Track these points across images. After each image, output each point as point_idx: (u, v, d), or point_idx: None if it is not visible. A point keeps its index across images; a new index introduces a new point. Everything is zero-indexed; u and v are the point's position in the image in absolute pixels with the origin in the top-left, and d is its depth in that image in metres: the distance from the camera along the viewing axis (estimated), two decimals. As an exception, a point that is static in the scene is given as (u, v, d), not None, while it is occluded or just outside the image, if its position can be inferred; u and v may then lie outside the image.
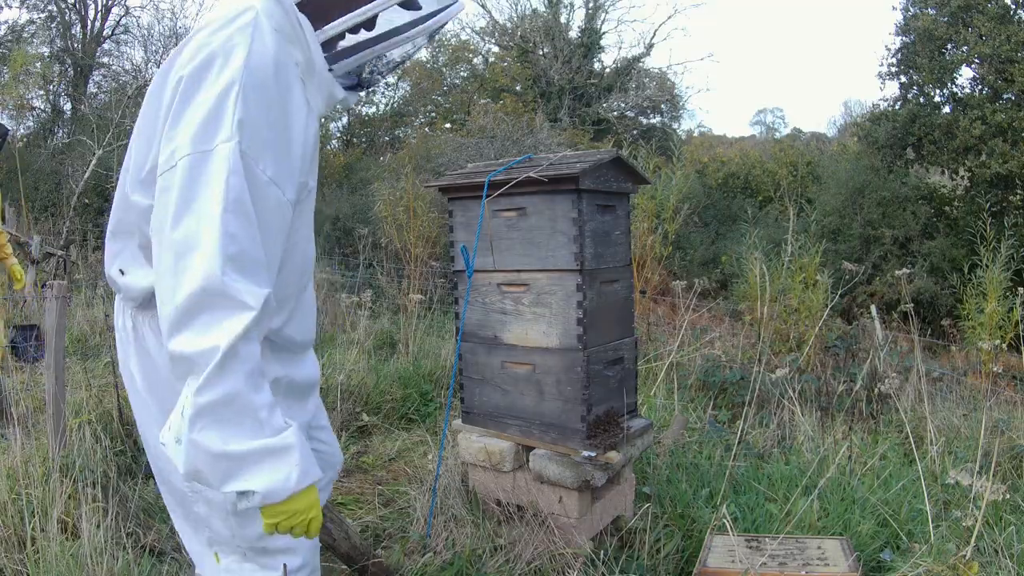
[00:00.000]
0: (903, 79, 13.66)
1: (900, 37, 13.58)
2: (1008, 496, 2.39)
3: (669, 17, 36.99)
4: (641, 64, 22.78)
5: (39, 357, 4.80)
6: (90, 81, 18.23)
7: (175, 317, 1.22)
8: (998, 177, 11.75)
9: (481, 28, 23.33)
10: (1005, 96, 12.22)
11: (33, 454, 2.94)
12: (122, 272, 1.53)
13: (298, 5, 1.38)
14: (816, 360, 5.14)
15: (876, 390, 4.13)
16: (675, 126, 24.20)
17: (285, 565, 1.52)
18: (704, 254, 13.99)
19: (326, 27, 1.40)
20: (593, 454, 2.44)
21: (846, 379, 4.53)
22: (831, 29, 75.80)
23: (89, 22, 18.42)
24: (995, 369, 4.45)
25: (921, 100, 13.41)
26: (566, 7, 22.27)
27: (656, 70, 23.68)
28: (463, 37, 22.85)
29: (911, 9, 13.41)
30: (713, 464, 3.34)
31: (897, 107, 13.63)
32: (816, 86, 74.68)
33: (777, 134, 36.56)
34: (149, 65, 17.55)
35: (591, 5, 22.23)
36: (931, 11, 12.88)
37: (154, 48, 18.02)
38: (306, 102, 1.41)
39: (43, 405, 3.39)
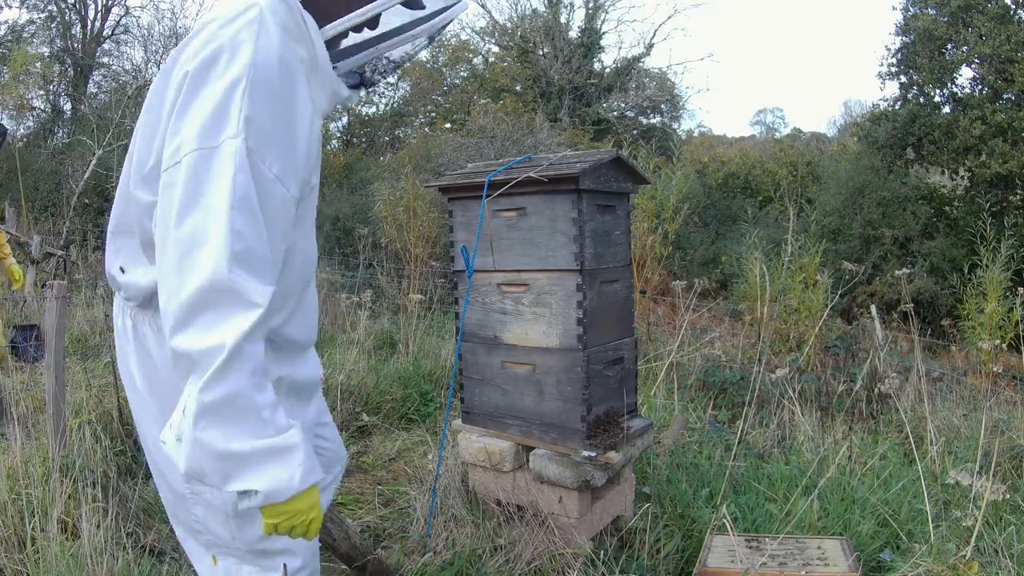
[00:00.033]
0: (903, 79, 13.66)
1: (900, 37, 13.59)
2: (1008, 496, 2.39)
3: (669, 17, 37.11)
4: (641, 64, 22.79)
5: (39, 357, 4.80)
6: (90, 81, 18.24)
7: (179, 314, 1.21)
8: (998, 177, 11.75)
9: (481, 28, 23.36)
10: (1005, 96, 12.23)
11: (33, 454, 2.94)
12: (122, 270, 1.52)
13: (302, 2, 1.38)
14: (816, 360, 5.14)
15: (876, 390, 4.13)
16: (675, 126, 24.23)
17: (285, 565, 1.52)
18: (704, 254, 13.99)
19: (329, 25, 1.40)
20: (593, 454, 2.44)
21: (846, 379, 4.53)
22: (831, 29, 75.87)
23: (89, 22, 18.43)
24: (995, 369, 4.45)
25: (921, 100, 13.42)
26: (566, 7, 22.29)
27: (656, 70, 23.72)
28: (463, 37, 22.88)
29: (911, 9, 13.41)
30: (713, 464, 3.34)
31: (897, 107, 13.63)
32: (816, 86, 74.78)
33: (777, 134, 36.60)
34: (149, 65, 17.57)
35: (591, 5, 22.24)
36: (931, 11, 12.89)
37: (154, 48, 18.03)
38: (310, 99, 1.40)
39: (43, 405, 3.39)
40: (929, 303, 10.94)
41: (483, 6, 22.86)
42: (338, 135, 21.91)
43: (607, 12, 23.24)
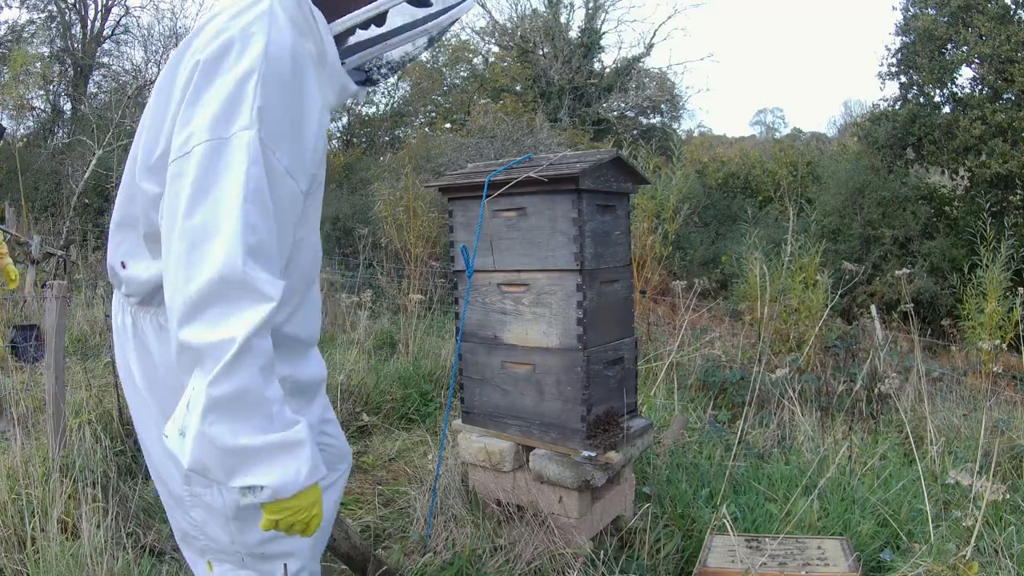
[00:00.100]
0: (903, 79, 13.67)
1: (900, 37, 13.60)
2: (1008, 496, 2.39)
3: (669, 17, 37.06)
4: (641, 64, 22.80)
5: (39, 357, 4.80)
6: (90, 81, 18.24)
7: (186, 306, 1.19)
8: (998, 177, 11.75)
9: (481, 28, 23.35)
10: (1005, 96, 12.23)
11: (33, 454, 2.94)
12: (123, 265, 1.50)
13: None
14: (816, 360, 5.14)
15: (876, 390, 4.13)
16: (675, 126, 24.24)
17: (286, 565, 1.52)
18: (704, 254, 13.99)
19: (338, 20, 1.40)
20: (593, 454, 2.44)
21: (846, 379, 4.53)
22: (831, 29, 75.86)
23: (89, 22, 18.43)
24: (995, 369, 4.45)
25: (921, 100, 13.42)
26: (566, 7, 22.30)
27: (656, 70, 23.73)
28: (463, 37, 22.88)
29: (911, 9, 13.42)
30: (713, 464, 3.34)
31: (897, 107, 13.64)
32: (816, 86, 74.77)
33: (777, 134, 36.60)
34: (149, 65, 17.59)
35: (591, 5, 22.24)
36: (931, 11, 12.89)
37: (154, 48, 18.05)
38: (320, 94, 1.40)
39: (43, 405, 3.39)
40: (929, 303, 10.94)
41: (483, 6, 22.86)
42: (338, 135, 21.91)
43: (607, 12, 23.26)
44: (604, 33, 22.58)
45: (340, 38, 1.42)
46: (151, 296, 1.47)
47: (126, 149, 1.54)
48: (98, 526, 2.43)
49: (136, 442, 3.19)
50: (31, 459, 2.87)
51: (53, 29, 17.70)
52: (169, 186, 1.26)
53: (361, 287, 7.51)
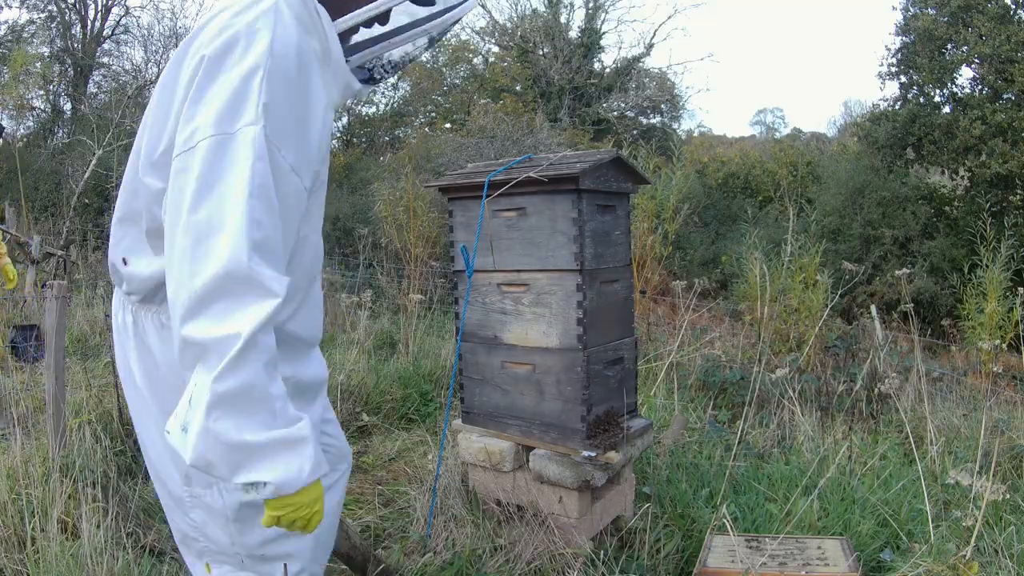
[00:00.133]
0: (903, 79, 13.67)
1: (900, 37, 13.60)
2: (1008, 496, 2.39)
3: (669, 17, 37.08)
4: (641, 64, 22.80)
5: (39, 357, 4.80)
6: (90, 81, 18.25)
7: (191, 301, 1.18)
8: (998, 177, 11.75)
9: (481, 28, 23.35)
10: (1005, 96, 12.23)
11: (33, 454, 2.94)
12: (125, 261, 1.50)
13: None
14: (816, 360, 5.14)
15: (876, 390, 4.13)
16: (675, 126, 24.24)
17: (286, 566, 1.52)
18: (704, 254, 14.00)
19: (342, 19, 1.40)
20: (593, 454, 2.44)
21: (846, 379, 4.53)
22: (831, 29, 75.87)
23: (89, 22, 18.44)
24: (995, 369, 4.45)
25: (921, 100, 13.42)
26: (566, 7, 22.30)
27: (656, 70, 23.73)
28: (463, 37, 22.88)
29: (911, 9, 13.42)
30: (713, 464, 3.34)
31: (897, 107, 13.64)
32: (816, 86, 74.78)
33: (777, 134, 36.60)
34: (149, 65, 17.60)
35: (591, 5, 22.24)
36: (931, 11, 12.89)
37: (154, 48, 18.06)
38: (324, 92, 1.40)
39: (43, 405, 3.39)
40: (929, 303, 10.94)
41: (483, 6, 22.86)
42: (338, 135, 21.90)
43: (607, 12, 23.27)
44: (604, 33, 22.60)
45: (343, 36, 1.42)
46: (152, 294, 1.47)
47: (126, 149, 1.53)
48: (98, 526, 2.43)
49: (136, 442, 3.18)
50: (31, 459, 2.87)
51: (53, 29, 17.71)
52: (173, 181, 1.25)
53: (361, 287, 7.51)
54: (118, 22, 18.72)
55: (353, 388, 4.47)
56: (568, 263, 2.46)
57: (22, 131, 16.85)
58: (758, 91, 74.93)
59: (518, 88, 21.62)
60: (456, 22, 1.48)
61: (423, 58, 20.95)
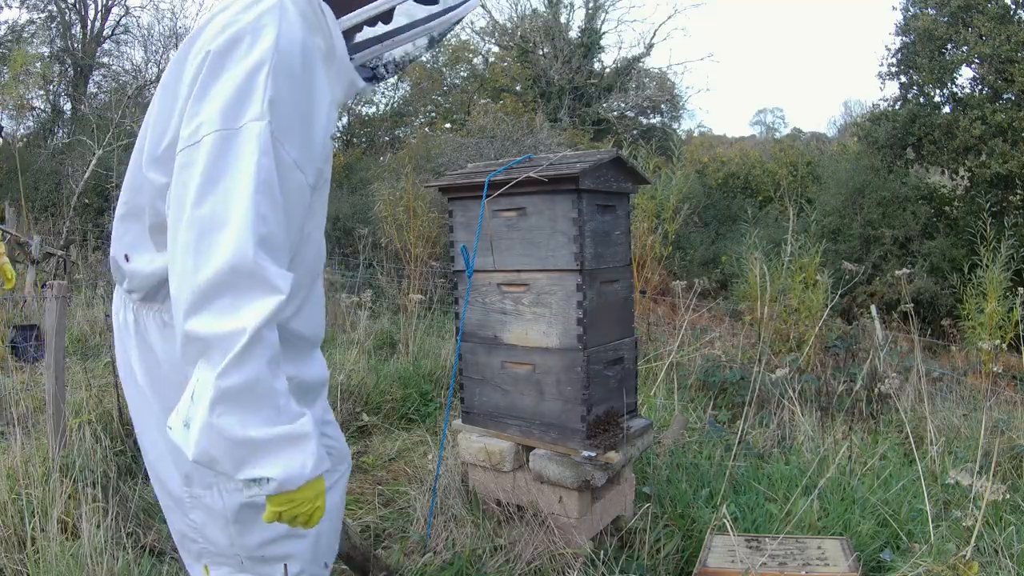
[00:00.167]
0: (903, 79, 13.68)
1: (900, 37, 13.61)
2: (1008, 496, 2.39)
3: (669, 17, 37.13)
4: (641, 64, 22.80)
5: (39, 357, 4.80)
6: (90, 81, 18.26)
7: (194, 296, 1.17)
8: (998, 177, 11.76)
9: (481, 28, 23.35)
10: (1005, 96, 12.23)
11: (33, 454, 2.94)
12: (127, 258, 1.49)
13: None
14: (816, 360, 5.14)
15: (876, 390, 4.13)
16: (675, 126, 24.24)
17: (286, 566, 1.52)
18: (704, 254, 14.00)
19: (345, 17, 1.40)
20: (593, 454, 2.44)
21: (846, 379, 4.53)
22: (831, 29, 75.87)
23: (89, 22, 18.45)
24: (995, 369, 4.45)
25: (921, 100, 13.43)
26: (566, 7, 22.30)
27: (656, 70, 23.73)
28: (463, 37, 22.87)
29: (911, 9, 13.43)
30: (713, 464, 3.34)
31: (897, 107, 13.65)
32: (816, 86, 74.78)
33: (777, 134, 36.61)
34: (149, 65, 17.61)
35: (591, 5, 22.24)
36: (931, 11, 12.90)
37: (154, 48, 18.07)
38: (328, 89, 1.40)
39: (43, 405, 3.39)
40: (929, 303, 10.94)
41: (483, 6, 22.86)
42: (338, 135, 21.89)
43: (607, 12, 23.28)
44: (604, 33, 22.60)
45: (347, 34, 1.42)
46: (154, 292, 1.46)
47: (126, 149, 1.53)
48: (98, 526, 2.43)
49: (136, 442, 3.19)
50: (31, 459, 2.87)
51: (53, 29, 17.72)
52: (177, 175, 1.25)
53: (361, 287, 7.51)
54: (118, 22, 18.76)
55: (353, 388, 4.47)
56: (568, 263, 2.46)
57: (22, 131, 16.86)
58: (758, 91, 75.01)
59: (518, 88, 21.62)
60: (458, 22, 1.48)
61: (423, 58, 20.93)
